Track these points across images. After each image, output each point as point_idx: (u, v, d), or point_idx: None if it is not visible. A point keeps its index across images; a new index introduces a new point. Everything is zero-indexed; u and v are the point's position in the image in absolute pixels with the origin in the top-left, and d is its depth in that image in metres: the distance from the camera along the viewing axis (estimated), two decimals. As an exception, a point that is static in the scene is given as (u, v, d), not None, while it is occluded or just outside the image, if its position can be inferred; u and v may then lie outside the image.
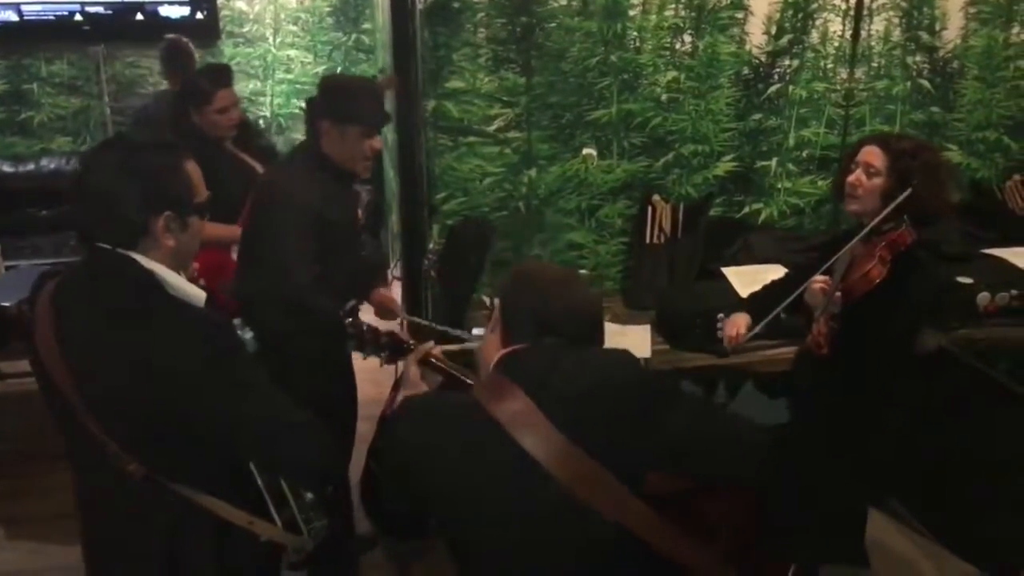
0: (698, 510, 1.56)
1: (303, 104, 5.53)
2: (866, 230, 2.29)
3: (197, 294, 1.61)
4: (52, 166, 5.11)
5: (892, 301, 2.24)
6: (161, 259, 1.57)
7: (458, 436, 1.51)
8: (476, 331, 2.98)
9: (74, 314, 1.57)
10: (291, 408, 1.63)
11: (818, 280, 2.28)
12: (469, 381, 1.94)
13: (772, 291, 2.67)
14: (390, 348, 2.20)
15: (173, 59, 4.40)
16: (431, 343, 2.05)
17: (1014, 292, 3.18)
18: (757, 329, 2.56)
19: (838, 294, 2.21)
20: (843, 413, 2.41)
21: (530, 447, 1.44)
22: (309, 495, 1.79)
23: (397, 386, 2.96)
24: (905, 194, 2.25)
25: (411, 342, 2.14)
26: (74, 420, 1.56)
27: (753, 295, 2.77)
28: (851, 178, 2.36)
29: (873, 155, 2.34)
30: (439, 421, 1.55)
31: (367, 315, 2.61)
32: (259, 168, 3.28)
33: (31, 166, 5.09)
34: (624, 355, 1.59)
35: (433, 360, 2.00)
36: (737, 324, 2.61)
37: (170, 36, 4.51)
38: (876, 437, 2.46)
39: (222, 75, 3.25)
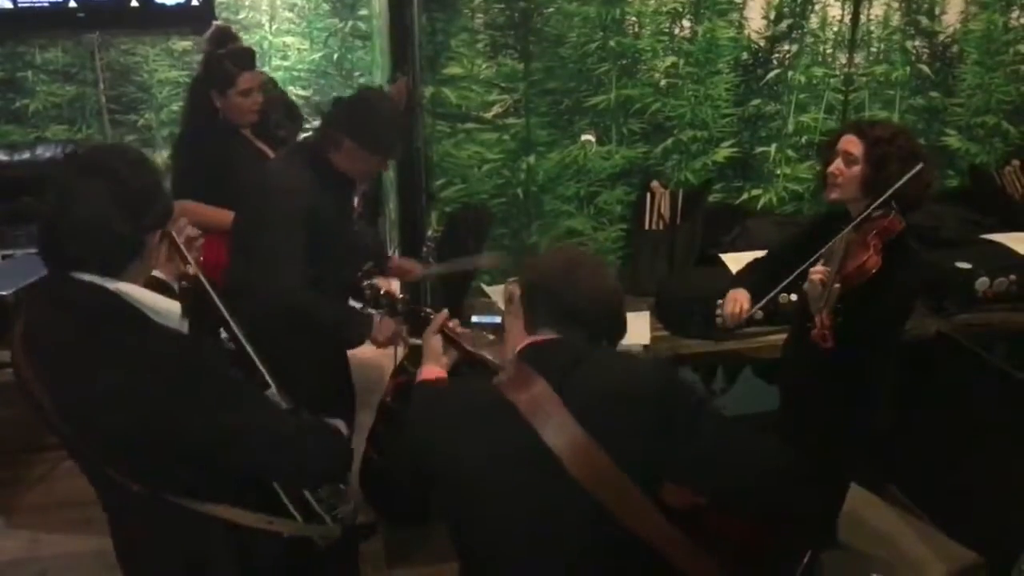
0: (708, 524, 1.54)
1: (298, 92, 5.54)
2: (859, 218, 2.30)
3: (170, 308, 1.55)
4: (48, 154, 5.06)
5: (884, 290, 2.25)
6: (135, 278, 1.53)
7: (473, 421, 1.51)
8: (475, 319, 2.98)
9: (47, 349, 1.52)
10: (281, 418, 1.60)
11: (817, 271, 2.27)
12: (483, 355, 1.95)
13: (760, 270, 2.66)
14: (407, 315, 2.18)
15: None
16: (445, 312, 2.02)
17: (1013, 277, 3.18)
18: (757, 308, 2.55)
19: (837, 285, 2.21)
20: (840, 401, 2.41)
21: (547, 437, 1.43)
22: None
23: (396, 373, 2.97)
24: (902, 181, 2.25)
25: (428, 310, 2.11)
26: (74, 449, 1.56)
27: (742, 275, 2.75)
28: (831, 167, 2.39)
29: (851, 143, 2.36)
30: (454, 407, 1.55)
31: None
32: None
33: (26, 154, 5.05)
34: (656, 363, 1.59)
35: (448, 332, 1.97)
36: (738, 300, 2.58)
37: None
38: (874, 423, 2.46)
39: (245, 57, 3.22)
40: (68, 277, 1.49)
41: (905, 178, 2.25)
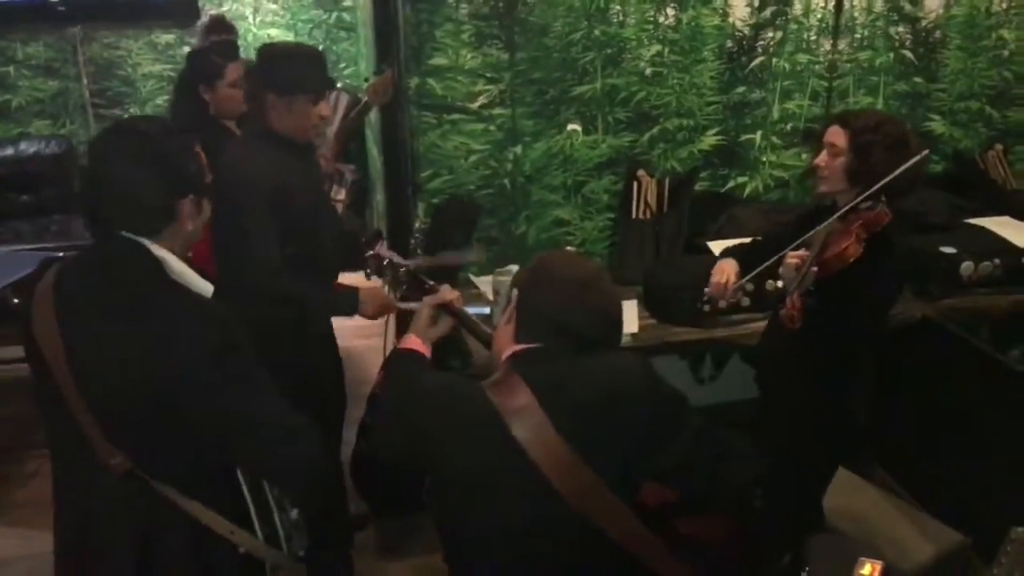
0: (679, 524, 1.55)
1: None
2: (844, 209, 2.30)
3: (204, 286, 1.59)
4: (32, 150, 5.04)
5: (863, 281, 2.24)
6: (173, 246, 1.56)
7: (464, 419, 1.51)
8: (470, 310, 2.99)
9: (78, 301, 1.54)
10: (290, 411, 1.60)
11: (793, 255, 2.28)
12: (485, 329, 1.98)
13: (748, 251, 2.66)
14: (408, 284, 2.17)
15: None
16: (446, 287, 2.02)
17: (997, 261, 3.21)
18: (744, 281, 2.54)
19: (814, 269, 2.21)
20: (811, 385, 2.42)
21: (527, 444, 1.44)
22: (294, 512, 1.75)
23: (385, 365, 2.96)
24: (894, 174, 2.24)
25: (430, 282, 2.11)
26: (63, 408, 1.54)
27: (730, 251, 2.72)
28: (817, 160, 2.38)
29: (835, 134, 2.35)
30: (446, 403, 1.55)
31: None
32: None
33: (10, 150, 5.02)
34: (635, 364, 1.56)
35: (451, 307, 1.97)
36: (725, 271, 2.56)
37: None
38: (850, 408, 2.46)
39: (230, 49, 3.22)
40: (111, 234, 1.54)
41: (900, 169, 2.23)
